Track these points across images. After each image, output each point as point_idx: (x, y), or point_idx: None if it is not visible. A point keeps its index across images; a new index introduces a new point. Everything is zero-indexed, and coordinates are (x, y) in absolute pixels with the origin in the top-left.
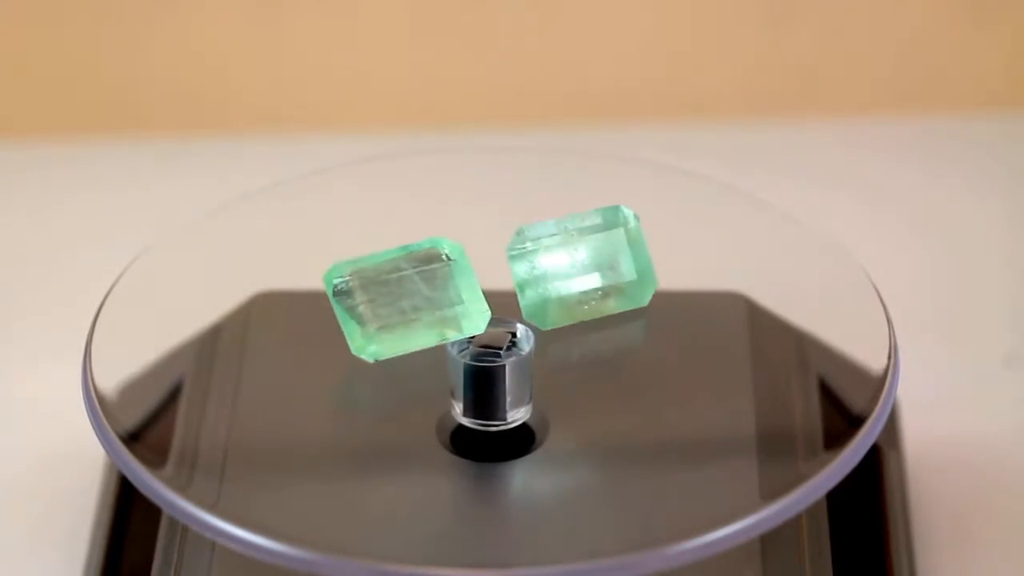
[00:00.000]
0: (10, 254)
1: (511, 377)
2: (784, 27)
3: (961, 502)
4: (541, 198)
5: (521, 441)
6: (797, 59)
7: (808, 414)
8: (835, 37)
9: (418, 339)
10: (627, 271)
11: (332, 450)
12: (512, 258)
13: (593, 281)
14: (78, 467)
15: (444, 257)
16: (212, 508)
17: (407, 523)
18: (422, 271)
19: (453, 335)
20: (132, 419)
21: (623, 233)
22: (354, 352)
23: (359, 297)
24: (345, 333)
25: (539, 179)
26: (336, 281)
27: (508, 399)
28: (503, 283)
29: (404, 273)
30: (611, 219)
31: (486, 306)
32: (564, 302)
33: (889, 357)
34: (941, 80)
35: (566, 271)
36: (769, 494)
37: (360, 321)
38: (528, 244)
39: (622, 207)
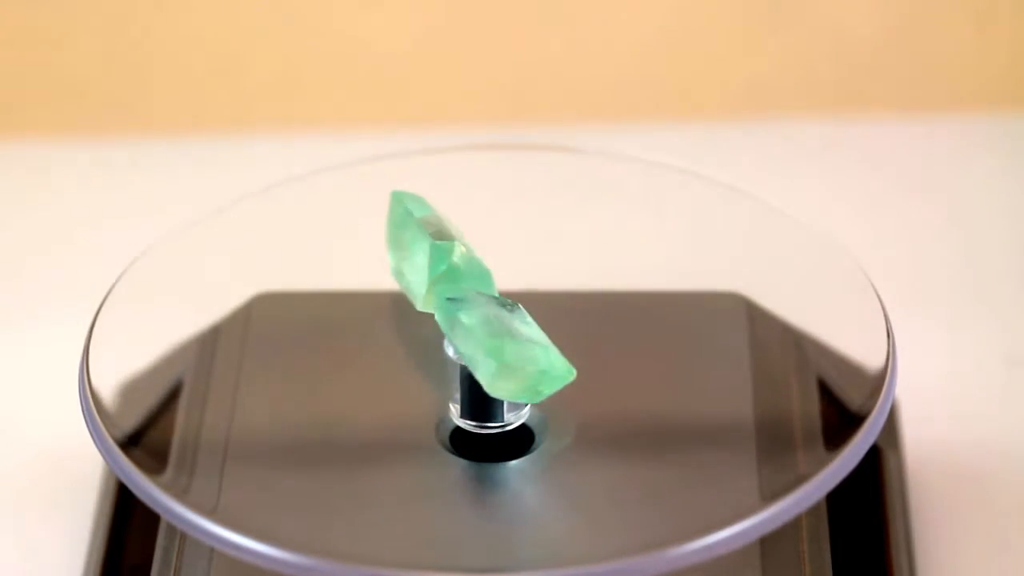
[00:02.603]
0: (10, 254)
1: None
2: (783, 26)
3: (961, 502)
4: (541, 198)
5: (520, 442)
6: (796, 58)
7: (807, 414)
8: (834, 37)
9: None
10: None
11: (332, 453)
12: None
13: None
14: (78, 467)
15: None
16: (210, 513)
17: (407, 527)
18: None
19: (528, 321)
20: (131, 421)
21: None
22: (558, 384)
23: (514, 343)
24: (537, 381)
25: (538, 179)
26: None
27: (507, 400)
28: (501, 281)
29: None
30: (401, 197)
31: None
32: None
33: (888, 357)
34: (941, 80)
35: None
36: (769, 495)
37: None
38: (447, 251)
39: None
